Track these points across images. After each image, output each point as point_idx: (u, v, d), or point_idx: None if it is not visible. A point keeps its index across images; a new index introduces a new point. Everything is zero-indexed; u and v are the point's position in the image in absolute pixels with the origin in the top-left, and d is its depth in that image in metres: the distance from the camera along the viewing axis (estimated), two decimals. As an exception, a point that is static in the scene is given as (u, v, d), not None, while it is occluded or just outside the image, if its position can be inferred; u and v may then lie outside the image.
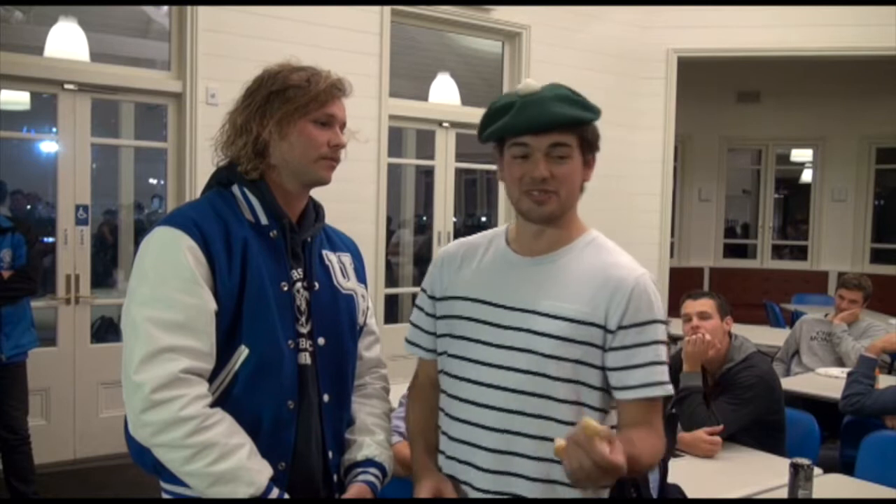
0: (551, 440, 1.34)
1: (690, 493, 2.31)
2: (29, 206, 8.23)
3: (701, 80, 7.89)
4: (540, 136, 1.50)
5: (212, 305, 1.47)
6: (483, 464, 1.55)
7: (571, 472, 1.27)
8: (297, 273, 1.60)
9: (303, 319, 1.59)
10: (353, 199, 5.32)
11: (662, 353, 1.52)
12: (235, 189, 1.60)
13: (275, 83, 1.58)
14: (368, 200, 5.48)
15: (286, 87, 1.57)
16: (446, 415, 1.63)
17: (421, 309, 1.71)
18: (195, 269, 1.46)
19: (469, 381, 1.57)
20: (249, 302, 1.50)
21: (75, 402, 4.64)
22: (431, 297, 1.69)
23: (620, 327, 1.50)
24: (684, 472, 2.43)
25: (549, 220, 1.54)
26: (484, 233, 1.72)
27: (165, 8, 5.19)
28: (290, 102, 1.56)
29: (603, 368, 1.52)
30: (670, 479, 2.28)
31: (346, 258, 1.75)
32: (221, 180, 1.62)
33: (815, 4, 6.51)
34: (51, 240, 4.72)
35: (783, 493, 2.25)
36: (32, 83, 4.70)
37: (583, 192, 1.61)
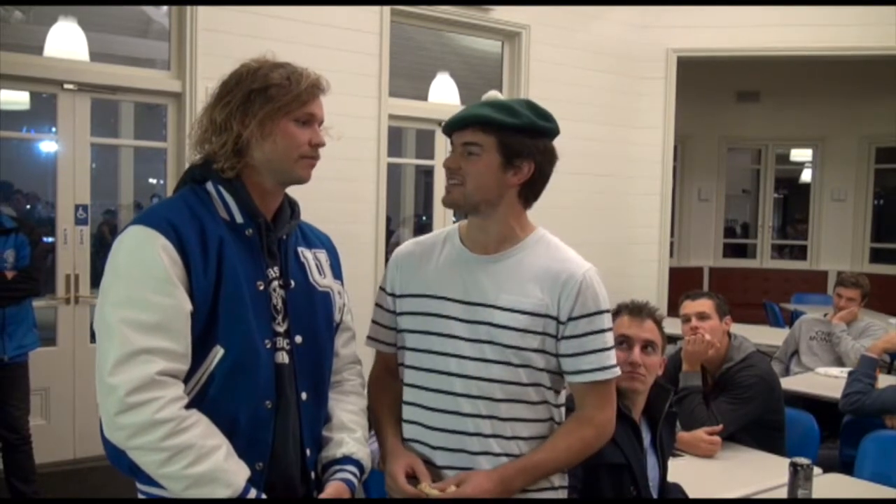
0: (523, 420, 1.66)
1: (690, 493, 2.32)
2: (28, 206, 8.24)
3: (700, 79, 7.89)
4: (458, 133, 1.68)
5: (187, 306, 1.45)
6: (460, 446, 1.66)
7: None
8: (272, 272, 1.59)
9: (279, 318, 1.59)
10: (352, 199, 5.32)
11: (610, 339, 1.69)
12: (210, 186, 1.58)
13: (255, 81, 1.56)
14: (368, 200, 5.47)
15: (267, 85, 1.55)
16: (418, 406, 1.71)
17: (381, 306, 1.82)
18: (170, 269, 1.44)
19: (443, 372, 1.68)
20: (225, 302, 1.48)
21: (75, 402, 4.64)
22: (391, 295, 1.80)
23: (571, 318, 1.65)
24: (684, 472, 2.44)
25: (453, 206, 1.71)
26: (438, 231, 1.84)
27: (165, 7, 5.19)
28: (271, 101, 1.54)
29: (556, 355, 1.68)
30: (670, 478, 2.29)
31: (322, 255, 1.74)
32: (196, 177, 1.60)
33: (814, 4, 6.50)
34: (50, 239, 4.72)
35: (783, 493, 2.25)
36: (32, 83, 4.69)
37: (525, 199, 1.71)
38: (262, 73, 1.57)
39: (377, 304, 1.82)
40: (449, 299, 1.69)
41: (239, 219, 1.57)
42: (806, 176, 10.00)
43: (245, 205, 1.57)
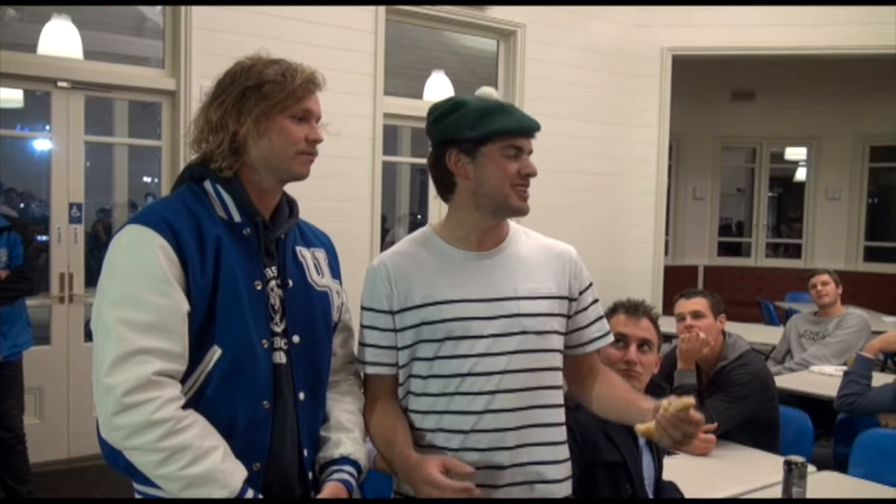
0: (556, 405, 1.71)
1: (685, 491, 2.32)
2: (22, 205, 8.22)
3: (695, 78, 7.90)
4: (528, 139, 1.70)
5: (184, 306, 1.44)
6: (510, 442, 1.66)
7: (675, 445, 1.59)
8: (270, 271, 1.58)
9: (277, 318, 1.58)
10: (347, 198, 5.32)
11: (601, 308, 1.83)
12: (208, 185, 1.58)
13: (249, 78, 1.55)
14: (363, 199, 5.47)
15: (262, 82, 1.54)
16: (450, 413, 1.66)
17: (376, 328, 1.71)
18: (167, 269, 1.43)
19: (473, 374, 1.64)
20: (222, 301, 1.48)
21: (69, 401, 4.63)
22: (388, 313, 1.70)
23: (580, 293, 1.77)
24: (679, 470, 2.44)
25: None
26: (408, 239, 1.80)
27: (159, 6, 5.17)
28: (267, 98, 1.54)
29: (565, 334, 1.76)
30: (665, 476, 2.29)
31: (321, 254, 1.73)
32: (194, 176, 1.59)
33: (809, 4, 6.52)
34: (44, 238, 4.70)
35: (777, 491, 2.26)
36: (26, 81, 4.67)
37: None
38: (256, 70, 1.56)
39: (370, 327, 1.72)
40: (463, 301, 1.67)
41: (237, 218, 1.56)
42: (800, 174, 10.02)
43: (243, 204, 1.57)
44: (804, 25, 6.66)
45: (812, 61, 7.79)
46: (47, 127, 4.67)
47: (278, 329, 1.58)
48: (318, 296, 1.66)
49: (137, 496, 1.53)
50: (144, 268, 1.43)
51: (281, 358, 1.57)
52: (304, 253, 1.69)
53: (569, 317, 1.75)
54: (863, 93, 8.73)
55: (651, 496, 2.18)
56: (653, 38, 6.77)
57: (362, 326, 1.75)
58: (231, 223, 1.56)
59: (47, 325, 4.60)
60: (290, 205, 1.69)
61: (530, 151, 1.69)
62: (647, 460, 2.20)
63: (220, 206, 1.56)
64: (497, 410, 1.65)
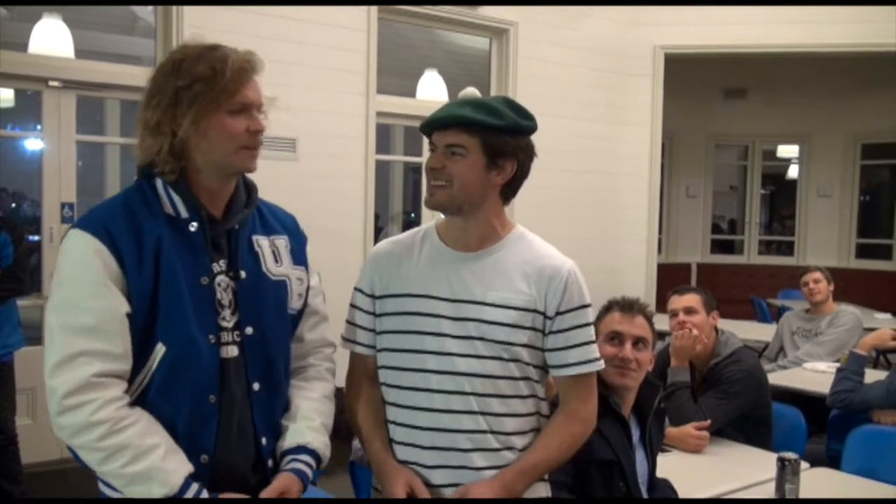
0: (516, 415, 1.66)
1: (679, 488, 2.33)
2: (14, 205, 8.19)
3: (688, 76, 7.92)
4: (440, 134, 1.66)
5: (122, 307, 1.46)
6: (452, 445, 1.65)
7: None
8: (218, 265, 1.57)
9: (226, 312, 1.57)
10: (340, 197, 5.30)
11: (593, 333, 1.73)
12: (158, 182, 1.55)
13: (180, 77, 1.50)
14: (356, 197, 5.45)
15: (192, 81, 1.49)
16: (404, 407, 1.69)
17: (358, 308, 1.78)
18: (103, 272, 1.45)
19: (430, 371, 1.66)
20: (164, 300, 1.49)
21: (62, 402, 4.61)
22: (370, 296, 1.76)
23: (558, 313, 1.67)
24: (672, 467, 2.44)
25: (438, 208, 1.69)
26: (414, 230, 1.82)
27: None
28: (199, 98, 1.49)
29: (542, 350, 1.69)
30: (659, 473, 2.30)
31: (282, 241, 1.70)
32: (146, 173, 1.57)
33: (802, 3, 6.53)
34: (36, 238, 4.68)
35: (770, 487, 2.27)
36: (16, 80, 4.65)
37: (505, 196, 1.72)
38: (185, 67, 1.51)
39: (354, 306, 1.79)
40: (435, 297, 1.67)
41: (184, 214, 1.55)
42: (793, 172, 10.06)
43: (191, 199, 1.55)
44: (796, 23, 6.67)
45: (804, 59, 7.80)
46: (39, 126, 4.65)
47: (228, 323, 1.57)
48: (271, 286, 1.65)
49: (102, 486, 1.56)
50: (82, 272, 1.46)
51: (231, 352, 1.57)
52: (262, 242, 1.66)
53: (544, 333, 1.68)
54: (854, 90, 8.76)
55: (645, 494, 2.18)
56: (645, 36, 6.78)
57: (350, 304, 1.80)
58: (178, 219, 1.54)
59: (40, 326, 4.57)
60: (248, 190, 1.66)
61: (449, 144, 1.64)
62: (640, 458, 2.20)
63: (167, 204, 1.55)
64: (447, 411, 1.65)
